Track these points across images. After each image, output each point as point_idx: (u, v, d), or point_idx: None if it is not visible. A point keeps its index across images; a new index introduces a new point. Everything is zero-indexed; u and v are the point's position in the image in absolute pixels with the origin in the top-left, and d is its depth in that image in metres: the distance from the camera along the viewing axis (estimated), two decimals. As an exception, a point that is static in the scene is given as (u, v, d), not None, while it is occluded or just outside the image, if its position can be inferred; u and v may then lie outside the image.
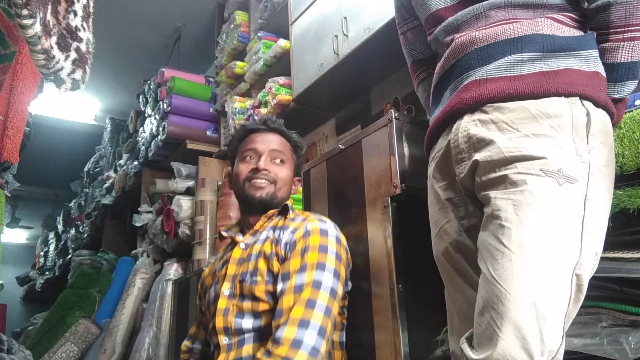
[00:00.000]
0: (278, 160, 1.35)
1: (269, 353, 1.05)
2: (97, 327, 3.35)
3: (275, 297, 1.17)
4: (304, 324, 1.06)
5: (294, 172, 1.42)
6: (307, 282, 1.12)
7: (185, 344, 1.44)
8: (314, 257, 1.17)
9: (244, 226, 1.38)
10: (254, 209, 1.34)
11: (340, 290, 1.17)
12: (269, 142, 1.36)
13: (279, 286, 1.15)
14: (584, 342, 0.92)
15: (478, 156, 0.88)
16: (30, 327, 4.66)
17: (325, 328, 1.09)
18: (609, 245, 0.91)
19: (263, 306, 1.18)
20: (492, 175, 0.86)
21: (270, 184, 1.32)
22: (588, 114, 0.85)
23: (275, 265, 1.20)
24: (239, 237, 1.34)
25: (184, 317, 2.39)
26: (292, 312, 1.08)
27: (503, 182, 0.84)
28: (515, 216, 0.80)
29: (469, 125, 0.91)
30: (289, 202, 1.36)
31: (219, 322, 1.20)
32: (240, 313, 1.19)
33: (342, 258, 1.21)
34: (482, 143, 0.88)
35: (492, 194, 0.85)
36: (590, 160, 0.84)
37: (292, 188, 1.40)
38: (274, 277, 1.19)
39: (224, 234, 1.39)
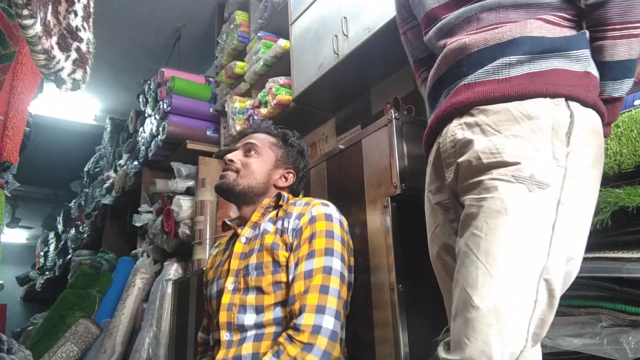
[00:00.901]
0: (251, 152, 1.40)
1: (291, 339, 1.08)
2: (97, 327, 3.35)
3: (280, 287, 1.19)
4: (320, 309, 1.10)
5: (282, 163, 1.42)
6: (317, 268, 1.16)
7: (201, 335, 1.46)
8: (322, 243, 1.20)
9: (242, 219, 1.41)
10: (233, 201, 1.41)
11: (346, 274, 1.21)
12: (246, 139, 1.44)
13: (291, 275, 1.18)
14: (584, 342, 0.92)
15: (460, 160, 0.89)
16: (30, 327, 4.67)
17: (340, 311, 1.14)
18: (609, 245, 0.91)
19: (268, 300, 1.19)
20: (470, 180, 0.87)
21: (232, 173, 1.37)
22: (572, 115, 0.85)
23: (282, 255, 1.22)
24: (240, 230, 1.36)
25: (184, 317, 2.39)
26: (308, 299, 1.12)
27: (477, 188, 0.85)
28: (485, 224, 0.82)
29: (456, 130, 0.92)
30: (284, 193, 1.37)
31: (223, 317, 1.21)
32: (243, 307, 1.20)
33: (345, 242, 1.25)
34: (465, 147, 0.89)
35: (467, 200, 0.87)
36: (569, 163, 0.83)
37: (277, 179, 1.40)
38: (280, 267, 1.21)
39: (228, 222, 1.42)
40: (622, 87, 0.93)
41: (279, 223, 1.28)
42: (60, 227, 6.40)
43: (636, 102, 1.05)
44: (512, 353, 0.77)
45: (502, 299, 0.78)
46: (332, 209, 1.28)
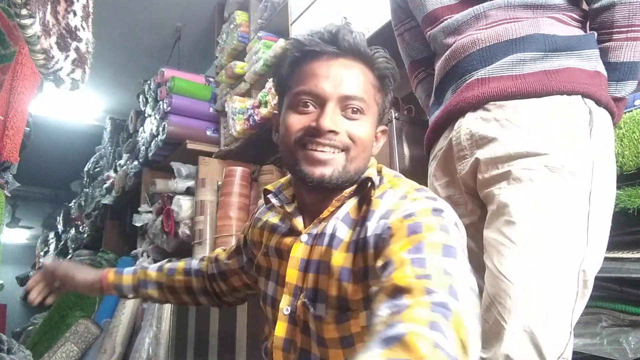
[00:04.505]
0: (353, 112, 0.83)
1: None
2: (97, 327, 3.34)
3: (351, 342, 0.79)
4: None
5: (379, 119, 0.90)
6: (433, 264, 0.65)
7: (208, 258, 1.15)
8: (435, 236, 0.69)
9: (300, 204, 0.92)
10: (313, 190, 0.87)
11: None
12: (340, 81, 0.82)
13: (374, 288, 0.68)
14: (584, 342, 0.92)
15: (480, 153, 0.88)
16: (30, 327, 4.67)
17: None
18: (609, 245, 0.91)
19: (334, 356, 0.80)
20: (496, 172, 0.86)
21: (338, 154, 0.82)
22: (590, 112, 0.86)
23: (351, 291, 0.78)
24: (299, 221, 0.89)
25: (184, 317, 2.39)
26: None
27: (507, 178, 0.84)
28: (521, 213, 0.81)
29: (471, 123, 0.92)
30: (373, 171, 0.86)
31: (277, 357, 0.85)
32: (306, 353, 0.83)
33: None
34: (484, 140, 0.89)
35: (497, 190, 0.85)
36: (594, 157, 0.84)
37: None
38: (349, 312, 0.78)
39: (273, 201, 0.93)
40: (625, 88, 0.94)
41: (357, 231, 0.80)
42: (60, 227, 6.40)
43: (637, 102, 1.05)
44: (558, 344, 0.75)
45: (549, 289, 0.76)
46: (441, 204, 0.75)
